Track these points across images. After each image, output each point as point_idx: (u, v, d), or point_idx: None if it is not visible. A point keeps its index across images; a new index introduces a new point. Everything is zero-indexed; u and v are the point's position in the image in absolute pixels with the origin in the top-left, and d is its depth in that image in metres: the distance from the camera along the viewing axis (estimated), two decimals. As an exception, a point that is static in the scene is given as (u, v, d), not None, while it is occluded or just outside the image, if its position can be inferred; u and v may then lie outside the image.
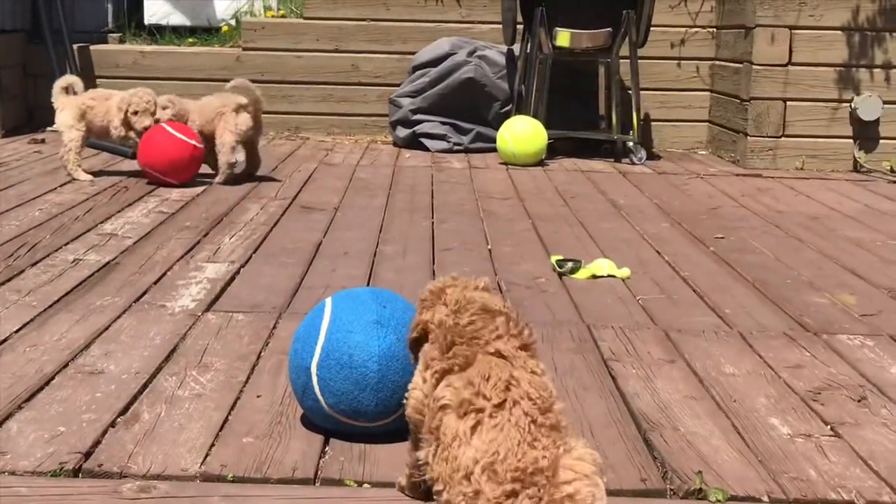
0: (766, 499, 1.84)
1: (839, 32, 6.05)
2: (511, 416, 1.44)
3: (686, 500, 1.84)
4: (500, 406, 1.45)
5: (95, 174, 5.00)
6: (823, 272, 3.61)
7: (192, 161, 4.73)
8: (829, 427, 2.19)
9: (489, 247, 3.82)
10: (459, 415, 1.47)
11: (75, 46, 6.70)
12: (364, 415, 1.98)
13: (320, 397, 1.98)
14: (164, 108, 4.76)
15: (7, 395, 2.17)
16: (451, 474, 1.43)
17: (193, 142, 4.67)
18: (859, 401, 2.35)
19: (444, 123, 6.55)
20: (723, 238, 4.10)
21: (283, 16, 7.26)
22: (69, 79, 5.04)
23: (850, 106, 6.09)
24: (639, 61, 6.29)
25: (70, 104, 4.84)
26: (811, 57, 6.07)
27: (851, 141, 6.16)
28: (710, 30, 6.86)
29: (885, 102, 6.04)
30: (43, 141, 6.18)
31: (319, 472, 1.89)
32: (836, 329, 2.91)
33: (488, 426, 1.44)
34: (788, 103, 6.11)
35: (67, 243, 3.61)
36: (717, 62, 6.80)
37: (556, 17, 6.16)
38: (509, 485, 1.37)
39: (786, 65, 6.07)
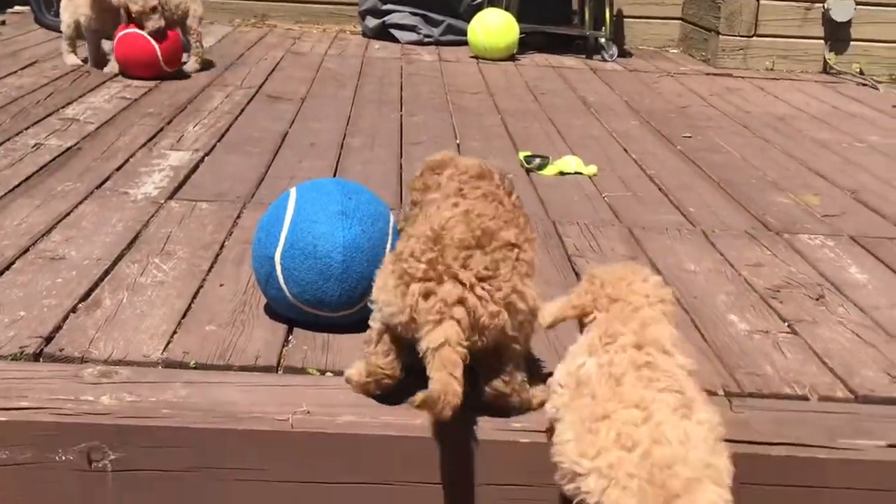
0: (721, 392, 1.87)
1: (816, -72, 5.99)
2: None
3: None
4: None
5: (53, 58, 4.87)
6: (788, 172, 3.63)
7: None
8: (786, 324, 2.23)
9: (458, 141, 3.80)
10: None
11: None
12: (328, 305, 1.98)
13: (284, 287, 1.98)
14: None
15: (-34, 279, 2.16)
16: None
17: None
18: (817, 299, 2.39)
19: (414, 14, 6.45)
20: (690, 137, 4.10)
21: None
22: None
23: (823, 6, 6.05)
24: (613, -45, 6.19)
25: None
26: (786, -46, 6.00)
27: (822, 42, 6.14)
28: (687, -76, 6.75)
29: (857, 3, 6.01)
30: (3, 22, 6.03)
31: (282, 361, 1.90)
32: (798, 229, 2.94)
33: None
34: (761, 2, 6.07)
35: (28, 127, 3.54)
36: (692, -42, 6.71)
37: None
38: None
39: (761, -38, 6.01)
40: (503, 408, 1.74)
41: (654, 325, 1.55)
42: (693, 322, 2.20)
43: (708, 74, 5.86)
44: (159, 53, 4.40)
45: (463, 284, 1.62)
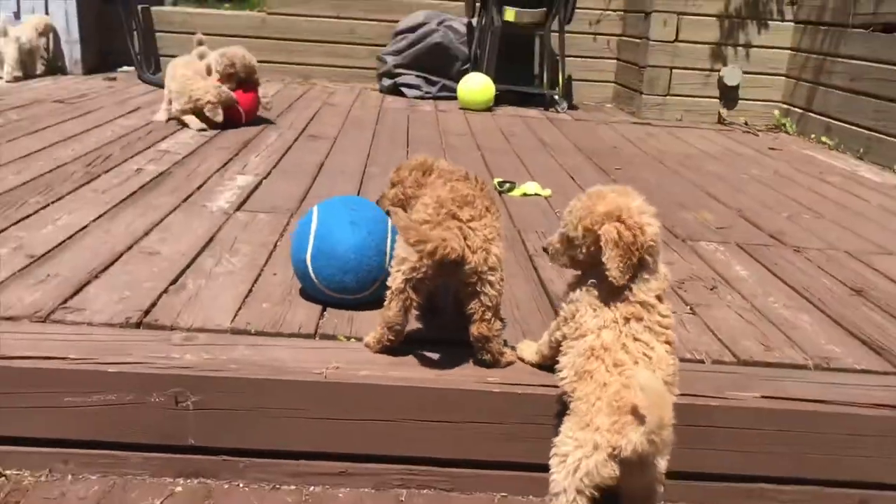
0: (640, 357, 1.88)
1: (714, 18, 6.00)
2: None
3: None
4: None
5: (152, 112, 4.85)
6: (691, 196, 3.64)
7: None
8: (688, 307, 2.24)
9: (448, 170, 3.78)
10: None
11: (139, 6, 6.46)
12: (348, 291, 1.98)
13: (315, 279, 1.98)
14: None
15: (87, 267, 2.15)
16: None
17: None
18: (711, 289, 2.40)
19: (418, 76, 6.45)
20: (620, 169, 4.11)
21: (298, -11, 7.02)
22: (201, 49, 4.55)
23: (719, 74, 6.07)
24: (565, 35, 6.19)
25: (180, 78, 4.25)
26: (692, 36, 6.01)
27: (718, 100, 6.16)
28: (619, 13, 6.75)
29: (744, 72, 6.04)
30: (115, 79, 6.01)
31: (318, 330, 1.90)
32: (698, 237, 2.95)
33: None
34: (674, 70, 6.07)
35: (133, 156, 3.53)
36: (623, 37, 6.71)
37: (505, -1, 6.05)
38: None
39: (673, 41, 6.01)
40: (486, 350, 1.73)
41: None
42: (620, 305, 2.21)
43: (634, 123, 5.87)
44: (242, 111, 4.38)
45: (460, 220, 1.66)
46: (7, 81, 5.64)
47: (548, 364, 1.68)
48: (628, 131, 5.47)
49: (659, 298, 1.51)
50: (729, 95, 6.14)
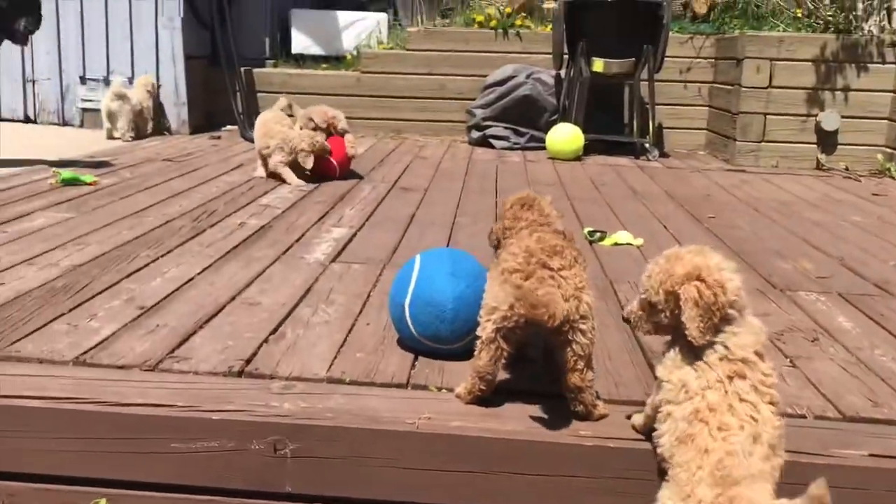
0: (738, 411, 1.82)
1: (809, 63, 5.87)
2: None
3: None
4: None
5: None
6: (789, 244, 3.53)
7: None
8: (788, 360, 2.16)
9: (538, 220, 3.79)
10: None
11: (242, 69, 6.80)
12: (442, 340, 2.00)
13: (411, 326, 2.01)
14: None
15: (192, 318, 2.25)
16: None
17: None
18: (812, 341, 2.31)
19: (506, 128, 6.53)
20: (714, 217, 4.03)
21: (391, 48, 7.27)
22: (284, 102, 4.91)
23: (816, 119, 5.91)
24: (655, 83, 6.17)
25: (277, 134, 4.44)
26: (787, 81, 5.89)
27: (815, 146, 5.98)
28: (710, 60, 6.69)
29: (843, 117, 5.86)
30: (219, 137, 6.31)
31: (410, 379, 1.92)
32: (797, 287, 2.85)
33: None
34: (768, 117, 5.95)
35: (236, 211, 3.69)
36: (715, 85, 6.63)
37: (594, 49, 6.09)
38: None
39: (767, 87, 5.90)
40: (579, 401, 1.71)
41: None
42: (716, 357, 2.15)
43: (727, 170, 5.76)
44: (335, 162, 4.55)
45: (551, 269, 1.66)
46: (124, 141, 6.02)
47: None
48: (722, 178, 5.36)
49: (758, 355, 1.47)
50: (827, 141, 5.96)
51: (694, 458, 1.39)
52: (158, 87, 6.40)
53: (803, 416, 1.83)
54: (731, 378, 1.43)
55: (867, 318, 2.55)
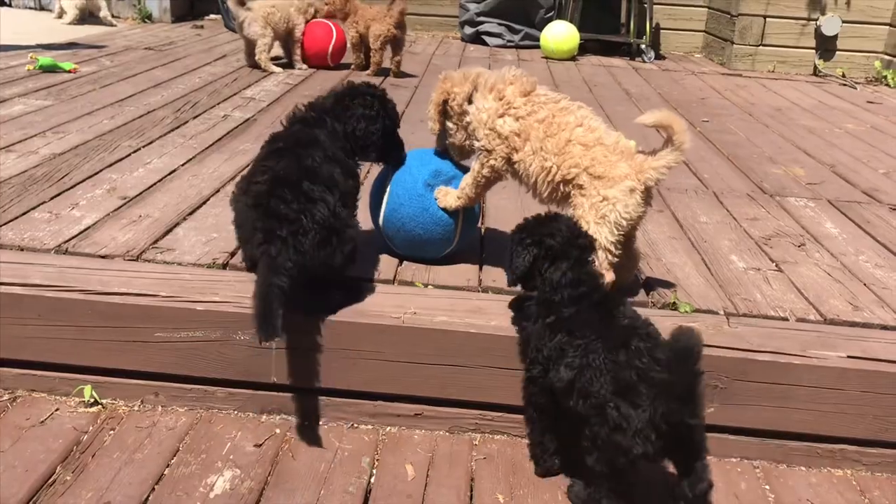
0: (721, 312, 1.85)
1: (814, -37, 5.70)
2: None
3: (662, 310, 1.85)
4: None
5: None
6: (782, 150, 3.50)
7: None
8: (774, 264, 2.17)
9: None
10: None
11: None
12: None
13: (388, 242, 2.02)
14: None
15: (175, 209, 2.22)
16: None
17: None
18: (799, 246, 2.32)
19: (500, 24, 6.36)
20: (707, 121, 3.98)
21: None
22: None
23: (816, 23, 5.78)
24: (654, -19, 5.99)
25: (257, 15, 4.39)
26: (790, -18, 5.74)
27: (814, 51, 5.87)
28: (712, -42, 6.48)
29: (843, 22, 5.73)
30: (202, 26, 6.12)
31: (397, 276, 1.92)
32: (787, 193, 2.85)
33: None
34: (767, 19, 5.81)
35: (219, 103, 3.61)
36: (715, -16, 6.45)
37: (592, -56, 5.87)
38: None
39: (769, -12, 5.75)
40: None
41: None
42: (703, 260, 2.16)
43: (723, 74, 5.66)
44: (331, 46, 4.59)
45: None
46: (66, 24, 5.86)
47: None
48: (717, 82, 5.28)
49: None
50: (826, 46, 5.85)
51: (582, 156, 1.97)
52: None
53: (785, 319, 1.85)
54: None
55: (854, 224, 2.55)
